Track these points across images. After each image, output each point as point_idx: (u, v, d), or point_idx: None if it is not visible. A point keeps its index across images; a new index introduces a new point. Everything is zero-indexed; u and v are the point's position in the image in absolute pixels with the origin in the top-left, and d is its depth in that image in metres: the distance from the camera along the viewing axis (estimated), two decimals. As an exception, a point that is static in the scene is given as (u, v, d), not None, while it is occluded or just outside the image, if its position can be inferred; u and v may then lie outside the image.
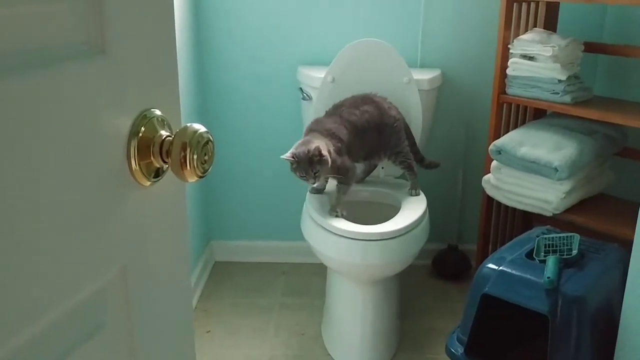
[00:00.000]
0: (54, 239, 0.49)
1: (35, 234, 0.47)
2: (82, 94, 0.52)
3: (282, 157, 1.71)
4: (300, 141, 1.77)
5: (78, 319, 0.54)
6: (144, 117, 0.60)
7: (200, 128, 0.60)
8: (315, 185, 1.90)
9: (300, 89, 2.19)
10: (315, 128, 1.83)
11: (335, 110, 1.90)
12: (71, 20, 0.52)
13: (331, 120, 1.86)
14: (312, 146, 1.69)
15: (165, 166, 0.62)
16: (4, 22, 0.44)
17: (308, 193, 1.96)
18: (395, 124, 1.93)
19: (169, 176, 0.63)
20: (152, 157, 0.60)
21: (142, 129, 0.59)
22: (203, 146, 0.60)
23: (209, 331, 2.06)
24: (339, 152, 1.80)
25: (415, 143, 2.03)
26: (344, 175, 1.82)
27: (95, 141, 0.54)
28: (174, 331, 0.71)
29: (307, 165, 1.69)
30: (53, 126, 0.49)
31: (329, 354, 1.94)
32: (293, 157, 1.70)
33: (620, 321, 1.41)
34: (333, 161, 1.74)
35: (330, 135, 1.81)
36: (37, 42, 0.48)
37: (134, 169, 0.59)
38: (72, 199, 0.52)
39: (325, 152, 1.71)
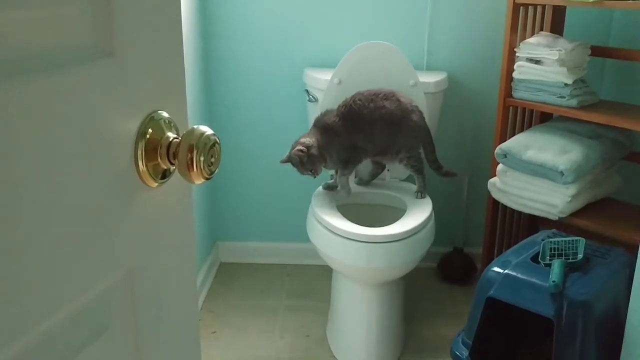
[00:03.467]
0: (60, 240, 0.50)
1: (42, 235, 0.48)
2: (91, 96, 0.53)
3: (280, 161, 1.87)
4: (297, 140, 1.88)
5: (84, 321, 0.54)
6: (152, 119, 0.60)
7: (207, 130, 0.61)
8: (330, 182, 2.02)
9: (307, 90, 2.20)
10: (317, 124, 1.92)
11: (348, 101, 1.92)
12: (80, 23, 0.52)
13: (334, 114, 1.91)
14: (296, 148, 1.83)
15: (172, 168, 0.62)
16: (14, 25, 0.45)
17: (313, 196, 1.97)
18: (414, 128, 1.92)
19: (175, 178, 0.64)
20: (159, 159, 0.61)
21: (150, 130, 0.60)
22: (210, 148, 0.60)
23: (214, 332, 2.07)
24: (325, 146, 1.87)
25: (434, 151, 2.01)
26: (340, 167, 1.93)
27: (103, 143, 0.55)
28: (180, 332, 0.72)
29: (300, 165, 1.83)
30: (61, 128, 0.49)
31: (334, 356, 1.94)
32: (288, 160, 1.85)
33: (626, 326, 1.41)
34: (320, 155, 1.85)
35: (326, 130, 1.89)
36: (46, 45, 0.49)
37: (141, 170, 0.59)
38: (80, 200, 0.52)
39: (303, 148, 1.82)
